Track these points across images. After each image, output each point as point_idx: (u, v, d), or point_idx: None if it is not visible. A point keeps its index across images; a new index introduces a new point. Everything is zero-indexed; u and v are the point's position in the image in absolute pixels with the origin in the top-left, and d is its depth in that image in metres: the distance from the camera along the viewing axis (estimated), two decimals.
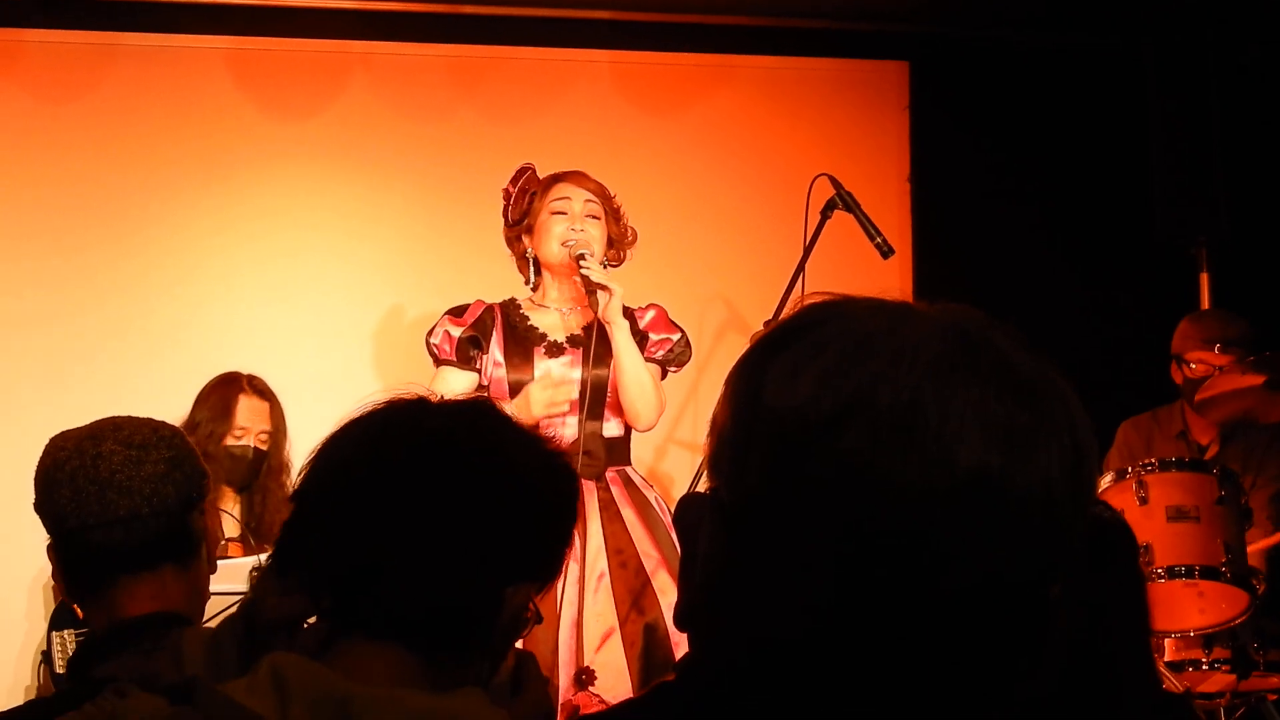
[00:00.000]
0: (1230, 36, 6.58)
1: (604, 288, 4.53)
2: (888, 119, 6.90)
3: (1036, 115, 6.84)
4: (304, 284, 6.42)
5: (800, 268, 4.82)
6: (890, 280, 6.27)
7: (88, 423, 2.62)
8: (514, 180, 4.75)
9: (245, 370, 5.65)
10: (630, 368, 4.59)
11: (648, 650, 4.38)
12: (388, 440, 1.84)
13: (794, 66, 6.86)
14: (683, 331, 4.81)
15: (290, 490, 5.62)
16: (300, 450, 5.60)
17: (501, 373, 4.64)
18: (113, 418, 2.62)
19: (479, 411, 1.91)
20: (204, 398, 5.50)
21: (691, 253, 6.46)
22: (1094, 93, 6.86)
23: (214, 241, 6.39)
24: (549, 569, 1.93)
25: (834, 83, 6.90)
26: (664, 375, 4.77)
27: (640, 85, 6.77)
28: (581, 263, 4.57)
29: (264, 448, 5.45)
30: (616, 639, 4.36)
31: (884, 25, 6.86)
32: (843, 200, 4.86)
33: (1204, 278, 6.75)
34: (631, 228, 4.83)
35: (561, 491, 1.92)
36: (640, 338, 4.67)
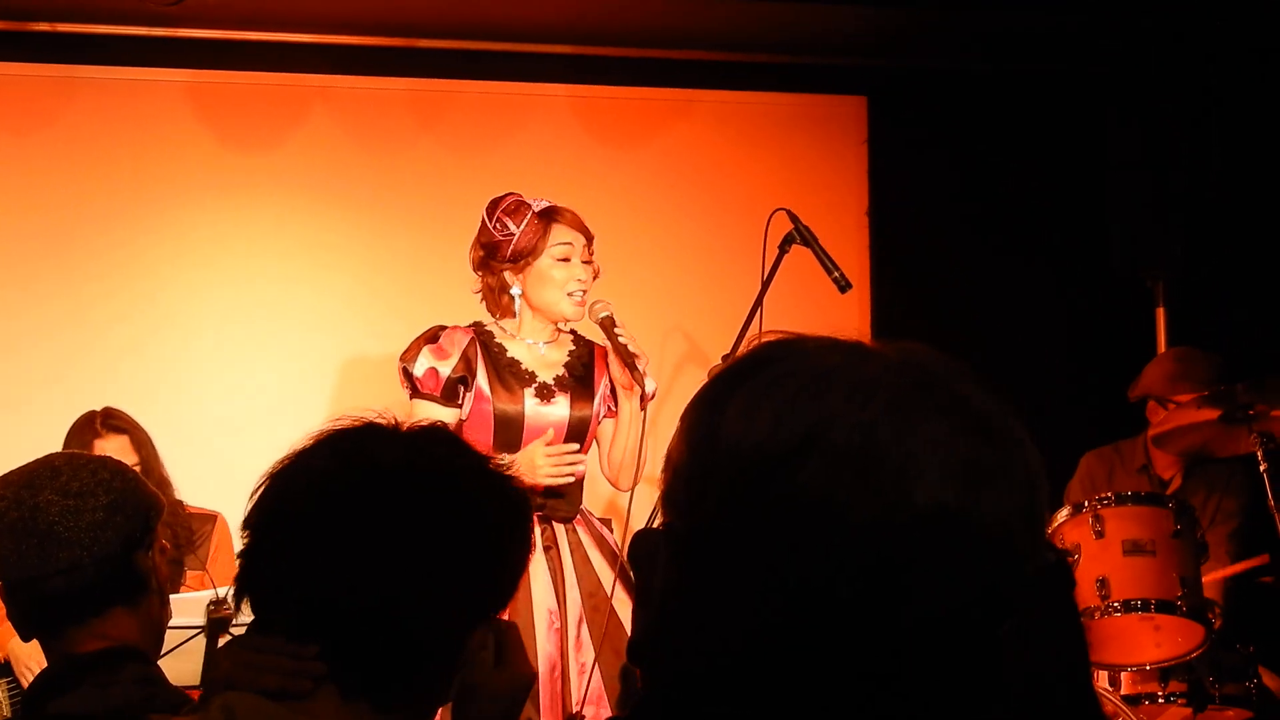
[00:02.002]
0: (1189, 71, 6.63)
1: (638, 357, 4.53)
2: (846, 153, 6.93)
3: (995, 150, 6.88)
4: (262, 314, 6.41)
5: (758, 302, 4.82)
6: (849, 314, 6.30)
7: (30, 461, 2.60)
8: (512, 215, 4.61)
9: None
10: (636, 435, 4.60)
11: (626, 693, 4.37)
12: (342, 480, 1.80)
13: (752, 101, 6.89)
14: (654, 382, 4.81)
15: (180, 506, 5.52)
16: (224, 472, 5.58)
17: (488, 407, 4.59)
18: (52, 459, 2.60)
19: (433, 443, 1.86)
20: (65, 446, 5.42)
21: (650, 286, 6.46)
22: (1052, 127, 6.90)
23: (172, 271, 6.37)
24: (505, 602, 1.91)
25: (792, 117, 6.93)
26: None
27: (599, 119, 6.78)
28: (617, 330, 4.56)
29: None
30: (598, 682, 4.37)
31: (842, 60, 6.90)
32: (801, 234, 4.86)
33: (1160, 312, 6.78)
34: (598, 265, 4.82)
35: (521, 524, 1.89)
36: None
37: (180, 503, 5.47)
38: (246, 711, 1.67)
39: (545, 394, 4.60)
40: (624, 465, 4.63)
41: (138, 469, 5.35)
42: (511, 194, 4.68)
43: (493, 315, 4.74)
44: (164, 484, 5.45)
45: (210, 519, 5.55)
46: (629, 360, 4.51)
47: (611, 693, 4.38)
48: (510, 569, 1.88)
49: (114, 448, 5.41)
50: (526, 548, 1.90)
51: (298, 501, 1.80)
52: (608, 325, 4.57)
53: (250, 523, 1.83)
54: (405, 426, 1.88)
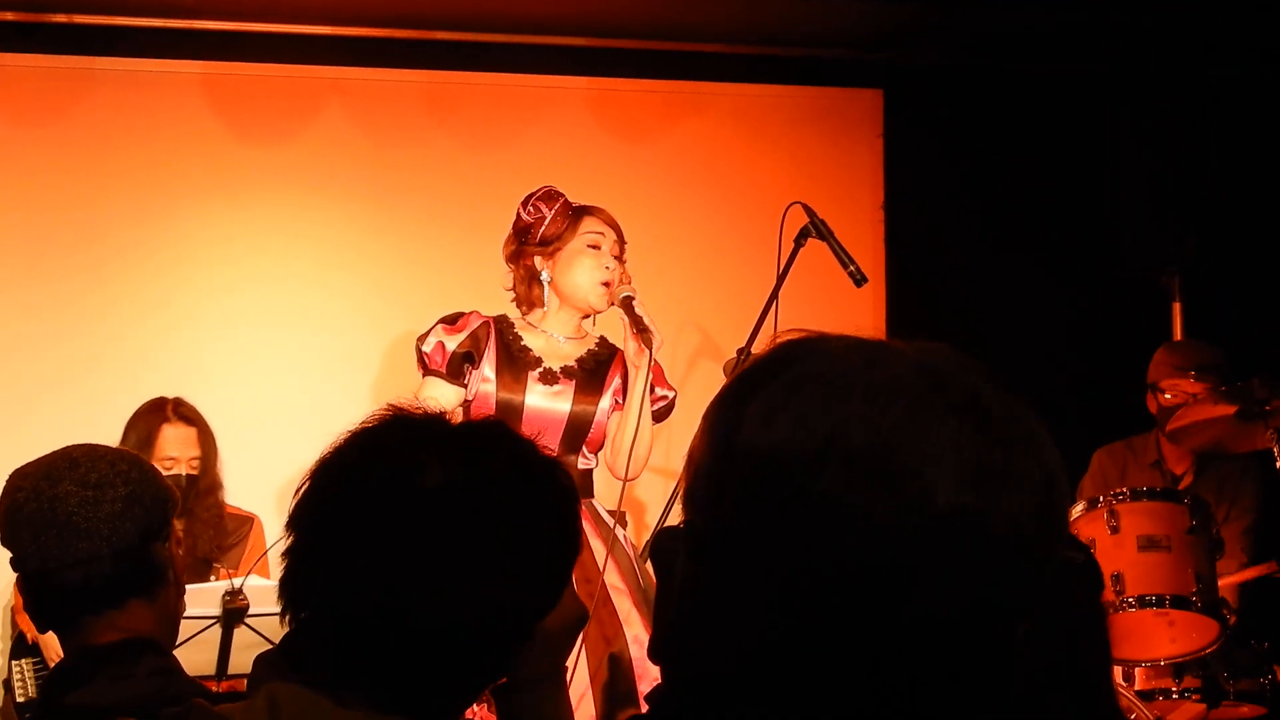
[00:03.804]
0: (1198, 66, 6.62)
1: (652, 333, 4.52)
2: (861, 147, 6.93)
3: (1009, 143, 6.86)
4: (277, 309, 6.42)
5: (773, 295, 4.81)
6: (863, 309, 6.30)
7: (49, 453, 2.61)
8: (545, 200, 4.67)
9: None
10: (644, 418, 4.58)
11: (612, 680, 4.35)
12: (387, 500, 1.76)
13: (768, 94, 6.88)
14: (675, 391, 4.79)
15: (222, 507, 5.48)
16: (277, 482, 5.57)
17: (490, 389, 4.59)
18: (70, 451, 2.60)
19: (480, 452, 1.82)
20: (132, 425, 5.45)
21: (665, 279, 6.45)
22: (1067, 121, 6.89)
23: (187, 266, 6.38)
24: (551, 608, 1.88)
25: (808, 110, 6.92)
26: None
27: (615, 112, 6.78)
28: (635, 303, 4.55)
29: (195, 473, 5.41)
30: (583, 666, 4.33)
31: (858, 53, 6.89)
32: (816, 228, 4.86)
33: (1177, 307, 6.77)
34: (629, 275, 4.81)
35: (567, 532, 1.86)
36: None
37: (223, 503, 5.48)
38: (290, 700, 1.67)
39: (549, 378, 4.61)
40: (625, 450, 4.59)
41: (195, 464, 5.40)
42: (547, 185, 4.72)
43: (521, 311, 4.75)
44: (217, 485, 5.48)
45: (248, 520, 5.58)
46: (640, 325, 4.52)
47: (597, 680, 4.35)
48: (556, 577, 1.87)
49: (179, 436, 5.45)
50: (574, 552, 1.88)
51: (342, 516, 1.78)
52: (628, 304, 4.57)
53: (294, 524, 1.81)
54: (454, 422, 1.85)
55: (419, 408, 1.86)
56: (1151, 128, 6.63)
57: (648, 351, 4.53)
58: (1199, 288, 6.73)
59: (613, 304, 4.63)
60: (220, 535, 5.39)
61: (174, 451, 5.42)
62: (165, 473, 5.32)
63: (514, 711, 2.16)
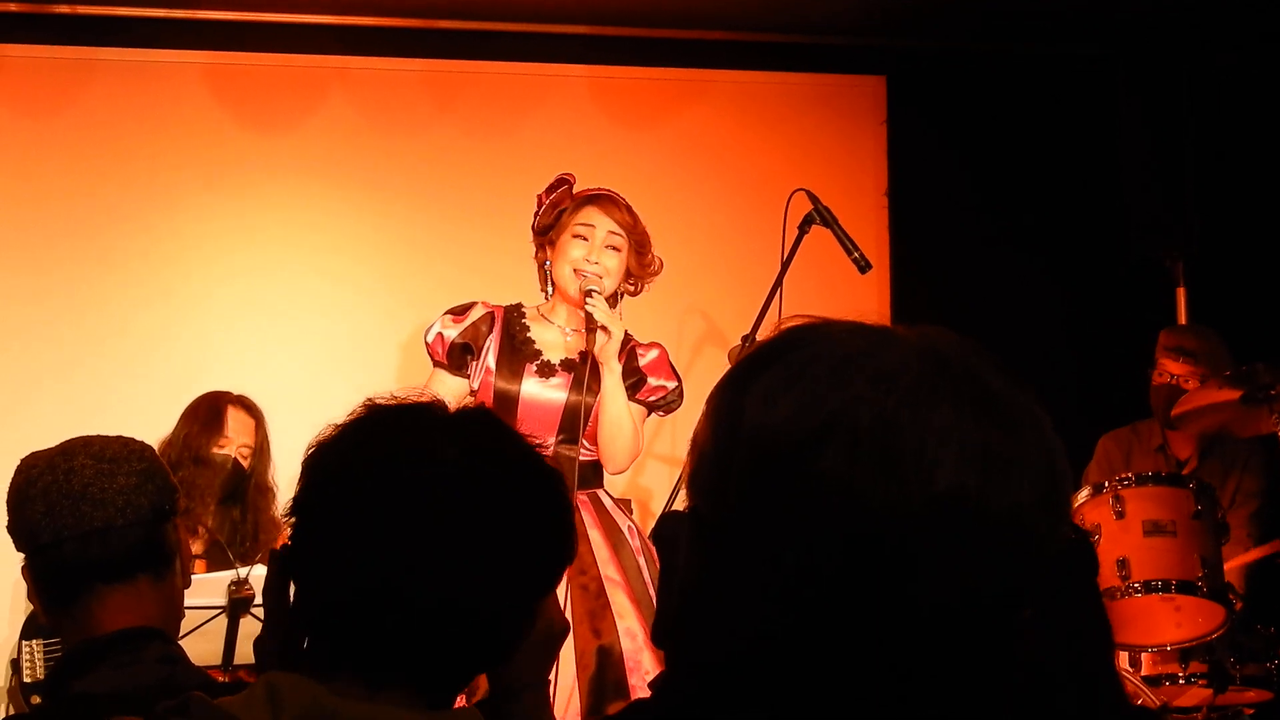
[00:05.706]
0: (1203, 50, 6.61)
1: (604, 329, 4.47)
2: (865, 133, 6.91)
3: (1014, 130, 6.85)
4: (281, 298, 6.41)
5: (778, 282, 4.81)
6: (868, 295, 6.29)
7: (58, 442, 2.62)
8: (549, 190, 4.64)
9: (223, 385, 5.64)
10: (613, 412, 4.52)
11: (600, 672, 4.32)
12: (402, 475, 1.76)
13: (771, 81, 6.87)
14: (679, 380, 4.70)
15: (276, 513, 5.40)
16: (283, 472, 5.56)
17: (491, 383, 4.59)
18: (82, 436, 2.62)
19: (479, 434, 1.82)
20: (193, 410, 5.45)
21: (669, 267, 6.39)
22: (1071, 107, 6.88)
23: (192, 256, 6.38)
24: (551, 588, 1.91)
25: (811, 97, 6.91)
26: (648, 415, 4.72)
27: (617, 100, 6.77)
28: (588, 300, 4.50)
29: (244, 462, 5.41)
30: (570, 659, 4.31)
31: (861, 40, 6.88)
32: (820, 215, 4.86)
33: (1181, 292, 6.76)
34: (658, 257, 4.78)
35: (563, 510, 1.85)
36: (637, 376, 4.61)
37: (271, 514, 5.43)
38: (290, 689, 1.67)
39: (546, 371, 4.58)
40: (603, 445, 4.58)
41: (247, 453, 5.42)
42: (561, 174, 4.70)
43: (543, 296, 4.73)
44: (271, 490, 5.45)
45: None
46: (590, 325, 4.48)
47: (585, 673, 4.33)
48: (554, 560, 1.85)
49: (242, 422, 5.48)
50: (568, 531, 1.86)
51: (352, 493, 1.77)
52: (584, 297, 4.53)
53: (300, 506, 1.81)
54: (451, 410, 1.85)
55: (396, 399, 1.85)
56: (1156, 112, 6.62)
57: (591, 350, 4.51)
58: (1204, 273, 6.72)
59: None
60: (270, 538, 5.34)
61: (230, 433, 5.42)
62: (219, 450, 5.38)
63: (501, 718, 2.18)
